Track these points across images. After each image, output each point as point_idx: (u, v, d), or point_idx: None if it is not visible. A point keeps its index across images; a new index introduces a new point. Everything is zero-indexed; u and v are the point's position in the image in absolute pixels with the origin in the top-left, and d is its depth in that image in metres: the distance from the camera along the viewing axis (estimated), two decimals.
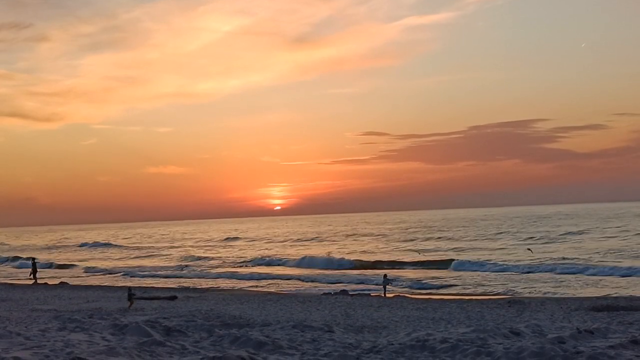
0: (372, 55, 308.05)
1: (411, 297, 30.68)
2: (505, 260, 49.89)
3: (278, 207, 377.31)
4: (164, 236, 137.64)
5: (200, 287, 39.85)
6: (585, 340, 12.79)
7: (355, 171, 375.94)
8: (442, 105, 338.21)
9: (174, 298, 28.96)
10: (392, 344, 12.57)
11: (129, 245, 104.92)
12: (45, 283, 42.28)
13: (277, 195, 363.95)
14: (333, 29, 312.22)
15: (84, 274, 54.72)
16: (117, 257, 77.80)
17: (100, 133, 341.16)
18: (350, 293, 33.03)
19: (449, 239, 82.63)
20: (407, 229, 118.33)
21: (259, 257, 65.24)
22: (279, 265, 57.83)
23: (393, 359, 11.47)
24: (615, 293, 30.78)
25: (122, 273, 53.67)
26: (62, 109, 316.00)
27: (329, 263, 53.76)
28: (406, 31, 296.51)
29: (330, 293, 33.25)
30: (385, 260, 55.64)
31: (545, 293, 32.29)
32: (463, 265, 47.83)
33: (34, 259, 46.29)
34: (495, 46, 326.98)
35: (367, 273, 46.18)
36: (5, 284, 42.66)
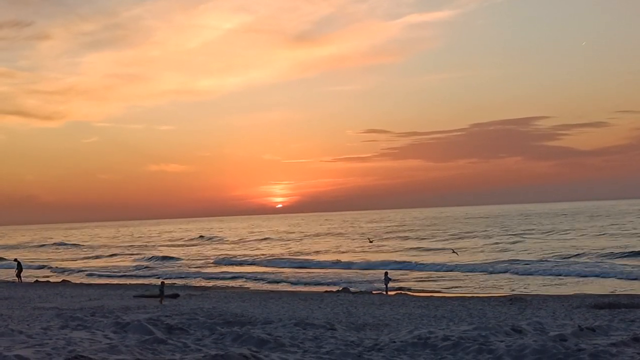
0: (373, 52, 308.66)
1: (413, 295, 30.72)
2: (447, 261, 49.56)
3: (280, 205, 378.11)
4: (139, 236, 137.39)
5: (201, 285, 39.86)
6: (587, 338, 12.78)
7: (356, 169, 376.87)
8: (444, 103, 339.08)
9: (176, 296, 28.98)
10: (394, 342, 12.56)
11: (101, 244, 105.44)
12: (48, 281, 42.31)
13: (278, 193, 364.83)
14: (334, 26, 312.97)
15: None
16: (79, 258, 77.21)
17: (101, 131, 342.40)
18: (352, 291, 33.04)
19: (416, 238, 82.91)
20: (385, 227, 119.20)
21: (217, 257, 66.17)
22: (233, 264, 58.67)
23: (395, 357, 11.46)
24: (617, 291, 30.75)
25: (86, 273, 53.34)
26: (63, 107, 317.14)
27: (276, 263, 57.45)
28: (407, 29, 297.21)
29: (332, 291, 33.26)
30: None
31: (544, 287, 32.32)
32: (387, 266, 47.72)
33: (16, 259, 46.14)
34: (496, 44, 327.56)
35: (286, 271, 48.55)
36: (7, 282, 42.70)
